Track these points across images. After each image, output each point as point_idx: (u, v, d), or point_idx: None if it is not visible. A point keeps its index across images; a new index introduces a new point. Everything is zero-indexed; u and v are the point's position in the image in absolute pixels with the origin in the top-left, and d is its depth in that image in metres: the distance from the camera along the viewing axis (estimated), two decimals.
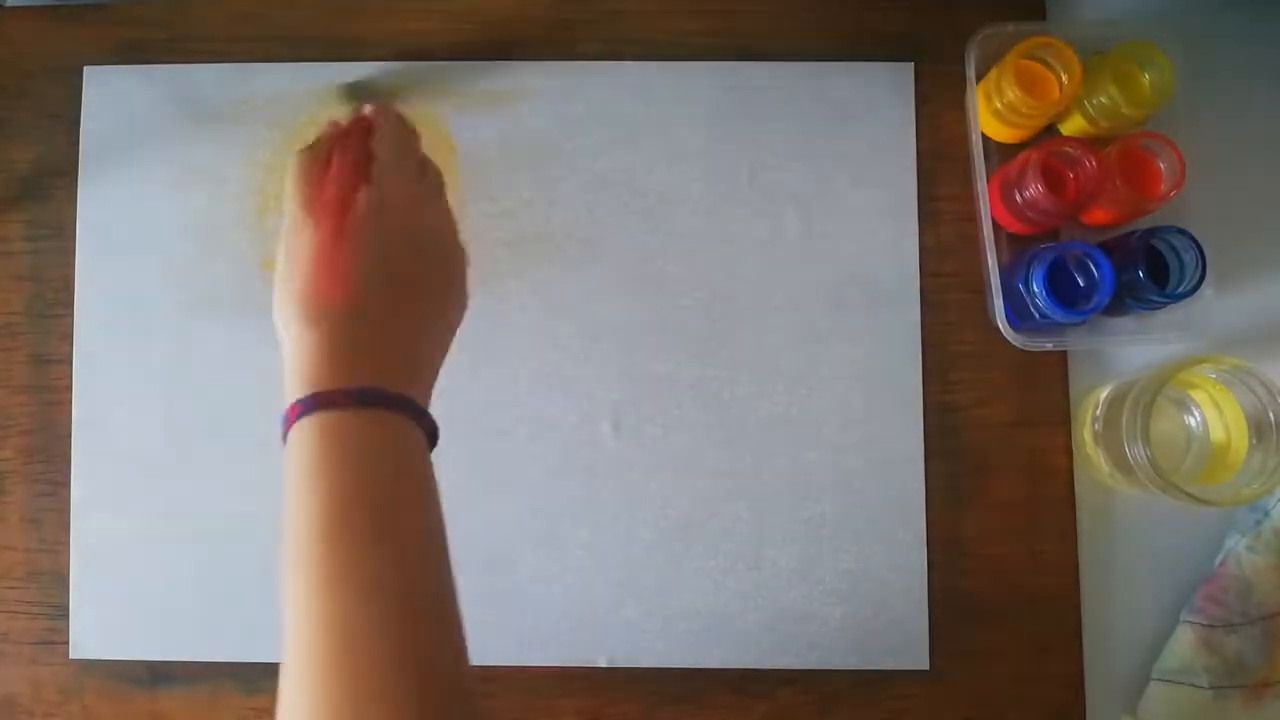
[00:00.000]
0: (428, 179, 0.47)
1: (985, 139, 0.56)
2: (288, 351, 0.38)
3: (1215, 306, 0.53)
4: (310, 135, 0.58)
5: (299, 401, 0.36)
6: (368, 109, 0.47)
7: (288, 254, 0.41)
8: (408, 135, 0.47)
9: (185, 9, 0.59)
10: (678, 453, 0.56)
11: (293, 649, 0.32)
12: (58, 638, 0.55)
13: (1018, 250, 0.56)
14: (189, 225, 0.57)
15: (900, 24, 0.59)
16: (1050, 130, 0.57)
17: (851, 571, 0.55)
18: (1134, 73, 0.54)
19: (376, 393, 0.36)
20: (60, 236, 0.57)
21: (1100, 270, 0.51)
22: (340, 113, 0.57)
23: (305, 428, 0.36)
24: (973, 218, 0.57)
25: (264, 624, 0.54)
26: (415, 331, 0.41)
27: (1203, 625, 0.52)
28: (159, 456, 0.56)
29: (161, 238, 0.57)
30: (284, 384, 0.38)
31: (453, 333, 0.43)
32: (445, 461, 0.55)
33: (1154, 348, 0.56)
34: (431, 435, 0.39)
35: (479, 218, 0.57)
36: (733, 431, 0.56)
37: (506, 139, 0.58)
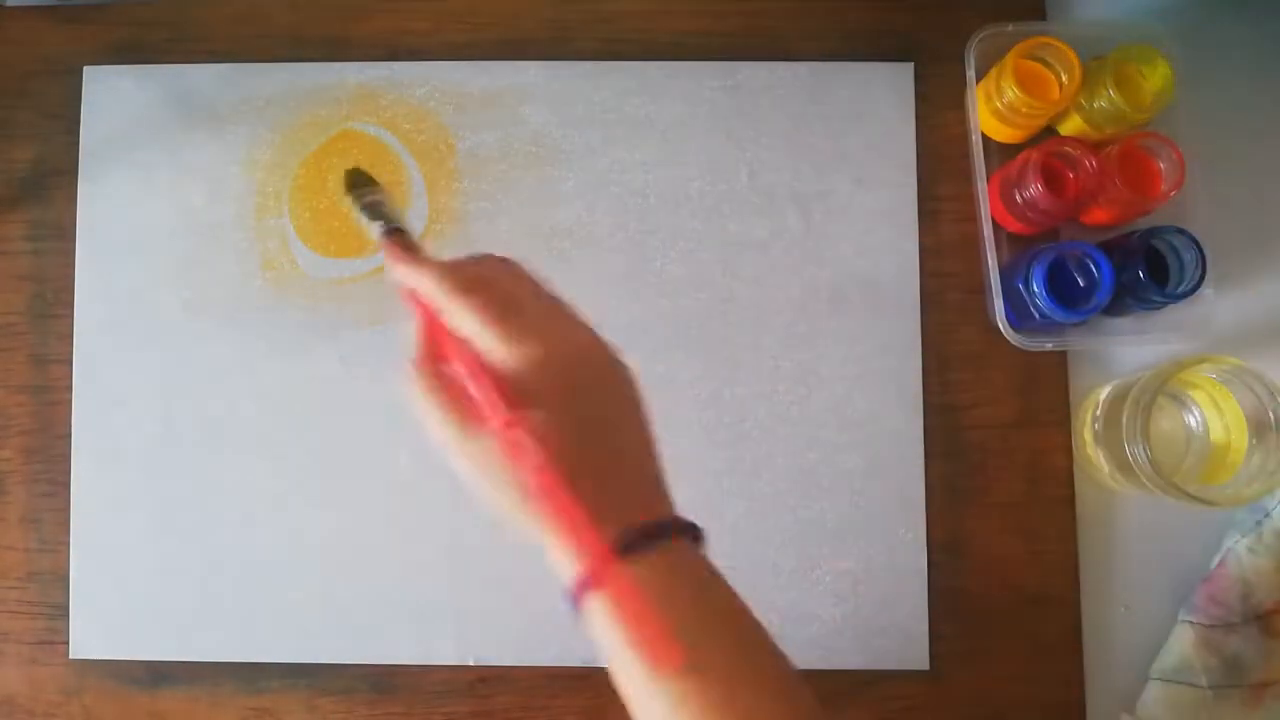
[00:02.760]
0: (541, 313, 0.39)
1: (985, 139, 0.56)
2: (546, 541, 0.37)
3: (1215, 306, 0.53)
4: (309, 136, 0.58)
5: (590, 570, 0.35)
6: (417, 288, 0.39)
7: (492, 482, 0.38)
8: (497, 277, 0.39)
9: (185, 9, 0.59)
10: (678, 453, 0.56)
11: None
12: (58, 638, 0.55)
13: (1018, 250, 0.56)
14: (189, 225, 0.57)
15: (900, 24, 0.59)
16: (1050, 130, 0.57)
17: (851, 571, 0.55)
18: (1134, 75, 0.54)
19: (639, 531, 0.35)
20: (60, 236, 0.57)
21: (1100, 270, 0.51)
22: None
23: (606, 588, 0.35)
24: (973, 218, 0.57)
25: (264, 624, 0.55)
26: (628, 455, 0.39)
27: (1202, 625, 0.52)
28: (159, 456, 0.56)
29: (161, 238, 0.57)
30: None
31: (649, 427, 0.41)
32: (445, 461, 0.56)
33: (1154, 348, 0.56)
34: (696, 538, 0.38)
35: (479, 217, 0.57)
36: (733, 431, 0.56)
37: (506, 139, 0.58)
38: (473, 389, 0.37)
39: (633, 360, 0.58)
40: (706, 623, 0.36)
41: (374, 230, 0.40)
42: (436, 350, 0.39)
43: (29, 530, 0.56)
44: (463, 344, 0.37)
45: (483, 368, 0.37)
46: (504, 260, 0.41)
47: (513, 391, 0.36)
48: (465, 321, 0.37)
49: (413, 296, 0.39)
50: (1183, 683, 0.52)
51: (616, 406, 0.40)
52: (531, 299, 0.39)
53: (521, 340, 0.36)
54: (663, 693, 0.34)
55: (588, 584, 0.35)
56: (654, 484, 0.39)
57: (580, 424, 0.37)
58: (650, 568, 0.35)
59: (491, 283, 0.38)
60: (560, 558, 0.36)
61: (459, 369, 0.37)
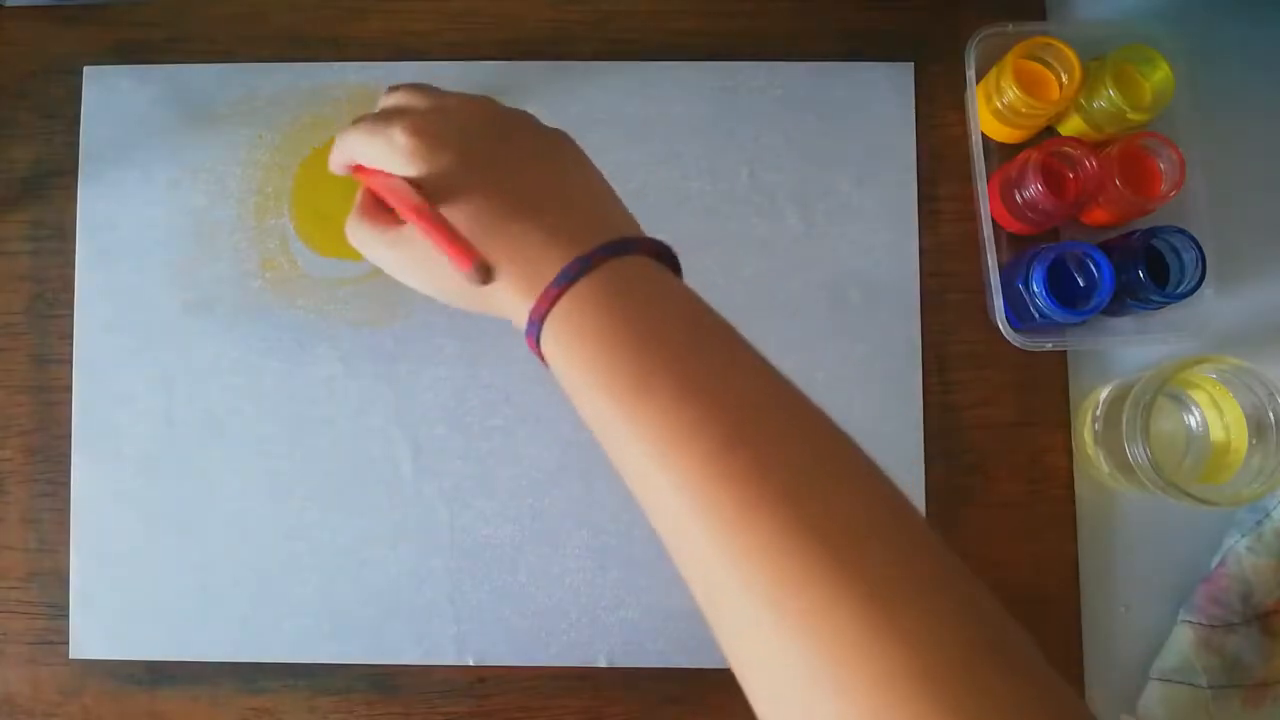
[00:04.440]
0: (418, 99, 0.42)
1: (985, 139, 0.56)
2: (494, 296, 0.36)
3: (1215, 306, 0.53)
4: (309, 136, 0.58)
5: (543, 295, 0.34)
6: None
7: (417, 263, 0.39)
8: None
9: (185, 9, 0.59)
10: None
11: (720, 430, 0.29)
12: (58, 638, 0.55)
13: (1018, 250, 0.56)
14: (189, 225, 0.57)
15: (900, 24, 0.59)
16: (1050, 130, 0.57)
17: None
18: (1134, 75, 0.54)
19: (589, 257, 0.34)
20: (60, 236, 0.57)
21: (1100, 270, 0.51)
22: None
23: (565, 310, 0.33)
24: (973, 218, 0.57)
25: (264, 624, 0.55)
26: (564, 185, 0.38)
27: (1202, 625, 0.52)
28: (159, 456, 0.56)
29: (161, 238, 0.57)
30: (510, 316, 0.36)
31: (588, 162, 0.41)
32: (445, 461, 0.56)
33: (1154, 348, 0.56)
34: (670, 262, 0.37)
35: None
36: None
37: None
38: (390, 200, 0.39)
39: None
40: (669, 330, 0.33)
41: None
42: (372, 205, 0.41)
43: (29, 530, 0.56)
44: (384, 178, 0.39)
45: (395, 182, 0.38)
46: (415, 86, 0.43)
47: (425, 184, 0.38)
48: (364, 148, 0.40)
49: (353, 168, 0.42)
50: (1183, 683, 0.52)
51: (541, 156, 0.40)
52: (424, 96, 0.42)
53: (403, 130, 0.38)
54: (626, 418, 0.31)
55: (540, 311, 0.34)
56: (608, 212, 0.38)
57: (492, 171, 0.38)
58: (602, 284, 0.34)
59: (396, 111, 0.41)
60: (513, 301, 0.35)
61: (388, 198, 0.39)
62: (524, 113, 0.42)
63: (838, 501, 0.29)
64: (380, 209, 0.41)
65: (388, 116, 0.40)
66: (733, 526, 0.28)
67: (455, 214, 0.37)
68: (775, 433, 0.30)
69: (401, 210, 0.38)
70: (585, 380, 0.33)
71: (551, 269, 0.34)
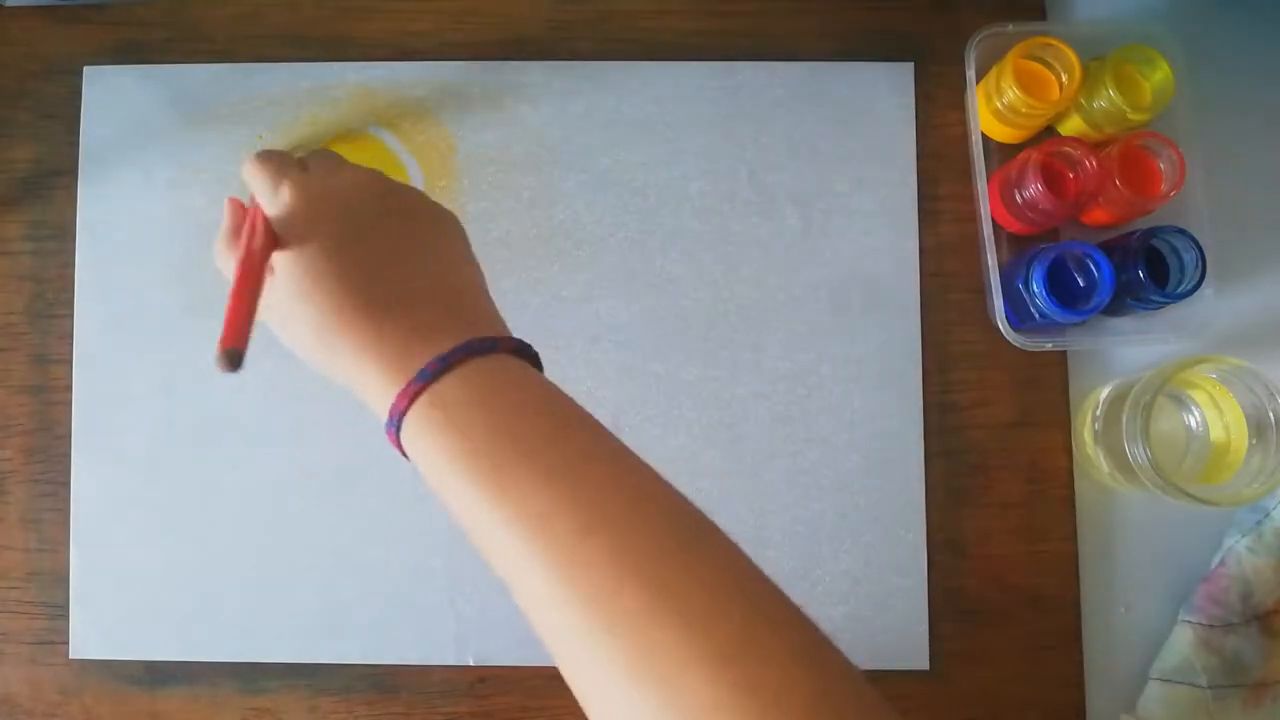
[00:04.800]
0: (319, 166, 0.44)
1: (985, 139, 0.56)
2: (356, 383, 0.37)
3: (1215, 306, 0.53)
4: (309, 137, 0.58)
5: (402, 393, 0.35)
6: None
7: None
8: (268, 163, 0.44)
9: (185, 9, 0.59)
10: (678, 453, 0.56)
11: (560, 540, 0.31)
12: (58, 638, 0.55)
13: (1018, 250, 0.56)
14: (189, 225, 0.57)
15: (900, 24, 0.59)
16: (1050, 130, 0.57)
17: (851, 571, 0.55)
18: (1134, 75, 0.54)
19: (447, 356, 0.35)
20: (60, 236, 0.57)
21: (1100, 270, 0.51)
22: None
23: (425, 407, 0.34)
24: (973, 218, 0.57)
25: (264, 624, 0.55)
26: (433, 279, 0.39)
27: (1202, 625, 0.52)
28: (159, 456, 0.56)
29: (161, 238, 0.57)
30: (371, 407, 0.37)
31: (464, 254, 0.42)
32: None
33: (1154, 348, 0.56)
34: (532, 360, 0.38)
35: (479, 217, 0.57)
36: (733, 431, 0.56)
37: (506, 139, 0.58)
38: (236, 237, 0.41)
39: (633, 360, 0.58)
40: (527, 424, 0.34)
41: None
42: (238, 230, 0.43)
43: (29, 530, 0.56)
44: (262, 219, 0.40)
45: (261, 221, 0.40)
46: (322, 153, 0.45)
47: (280, 231, 0.39)
48: (255, 184, 0.42)
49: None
50: (1183, 683, 0.52)
51: (419, 245, 0.40)
52: (324, 165, 0.44)
53: (291, 189, 0.40)
54: (490, 505, 0.32)
55: (399, 409, 0.35)
56: (474, 309, 0.39)
57: (364, 257, 0.38)
58: (461, 382, 0.35)
59: (296, 164, 0.44)
60: (373, 394, 0.36)
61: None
62: (415, 192, 0.43)
63: (689, 575, 0.30)
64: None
65: (284, 169, 0.42)
66: (595, 603, 0.30)
67: (320, 295, 0.37)
68: (630, 516, 0.32)
69: (240, 252, 0.39)
70: (447, 470, 0.34)
71: (413, 366, 0.35)
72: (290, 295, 0.38)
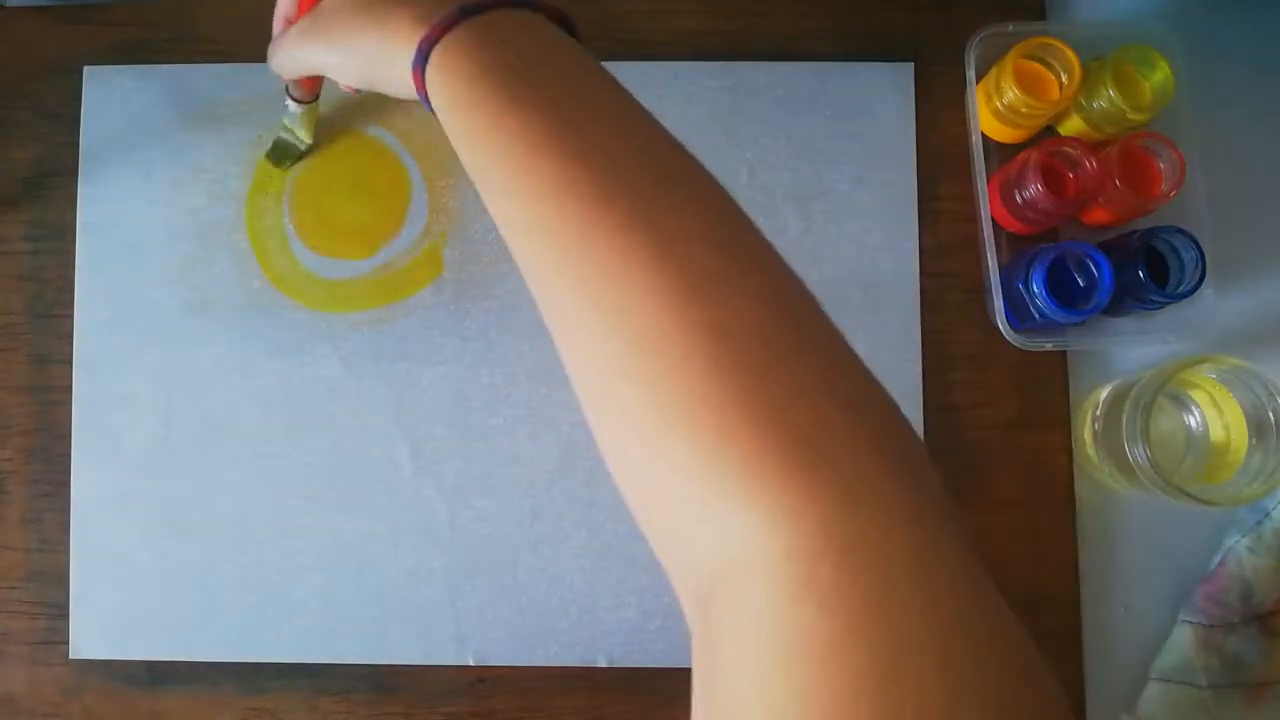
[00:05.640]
0: None
1: (985, 139, 0.56)
2: (388, 35, 0.38)
3: (1215, 306, 0.53)
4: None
5: (436, 24, 0.36)
6: None
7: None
8: None
9: (185, 9, 0.59)
10: None
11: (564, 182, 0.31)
12: (58, 638, 0.55)
13: (1018, 250, 0.56)
14: (189, 225, 0.57)
15: (900, 24, 0.59)
16: (1050, 130, 0.57)
17: None
18: (1134, 75, 0.54)
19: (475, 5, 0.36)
20: (60, 236, 0.57)
21: (1100, 270, 0.51)
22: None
23: (452, 41, 0.35)
24: (973, 218, 0.57)
25: (264, 624, 0.55)
26: None
27: (1202, 625, 0.52)
28: (159, 456, 0.56)
29: (161, 238, 0.57)
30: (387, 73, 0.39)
31: None
32: (445, 461, 0.56)
33: (1154, 348, 0.56)
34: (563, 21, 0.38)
35: (479, 217, 0.57)
36: None
37: None
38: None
39: None
40: (548, 69, 0.35)
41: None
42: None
43: (29, 530, 0.56)
44: None
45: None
46: None
47: None
48: None
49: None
50: (1183, 683, 0.52)
51: None
52: None
53: None
54: (494, 129, 0.33)
55: (431, 39, 0.36)
56: None
57: None
58: (492, 23, 0.35)
59: None
60: (403, 38, 0.37)
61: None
62: None
63: (678, 212, 0.30)
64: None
65: None
66: (579, 220, 0.30)
67: None
68: (629, 149, 0.32)
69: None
70: (463, 101, 0.34)
71: (448, 5, 0.36)
72: None
